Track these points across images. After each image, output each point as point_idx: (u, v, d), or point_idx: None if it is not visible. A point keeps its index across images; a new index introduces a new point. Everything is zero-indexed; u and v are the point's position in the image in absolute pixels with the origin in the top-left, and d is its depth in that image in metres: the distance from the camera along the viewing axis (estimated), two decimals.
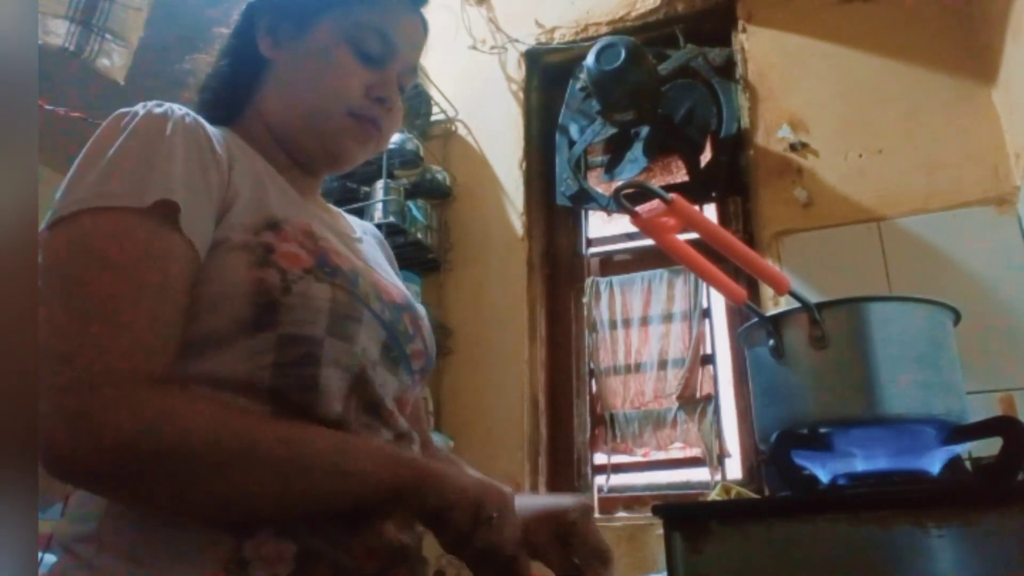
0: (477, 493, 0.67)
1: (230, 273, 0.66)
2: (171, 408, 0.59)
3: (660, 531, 0.74)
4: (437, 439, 2.14)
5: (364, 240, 0.91)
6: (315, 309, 0.68)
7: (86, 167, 0.66)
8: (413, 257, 2.40)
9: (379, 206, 2.32)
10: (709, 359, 2.26)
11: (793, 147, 2.18)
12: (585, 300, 2.41)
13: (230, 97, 0.84)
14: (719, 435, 2.15)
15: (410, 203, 2.40)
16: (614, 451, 2.26)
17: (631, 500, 2.21)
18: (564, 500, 0.83)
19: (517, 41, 2.65)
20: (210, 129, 0.73)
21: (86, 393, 0.57)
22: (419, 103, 2.55)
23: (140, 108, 0.70)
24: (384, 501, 0.66)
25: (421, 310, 0.85)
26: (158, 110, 0.70)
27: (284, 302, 0.66)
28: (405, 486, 0.66)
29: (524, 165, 2.53)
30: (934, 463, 0.84)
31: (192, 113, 0.73)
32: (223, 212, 0.69)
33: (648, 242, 1.07)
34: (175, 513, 0.63)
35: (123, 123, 0.69)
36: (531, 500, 0.82)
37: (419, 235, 2.37)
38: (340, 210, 0.96)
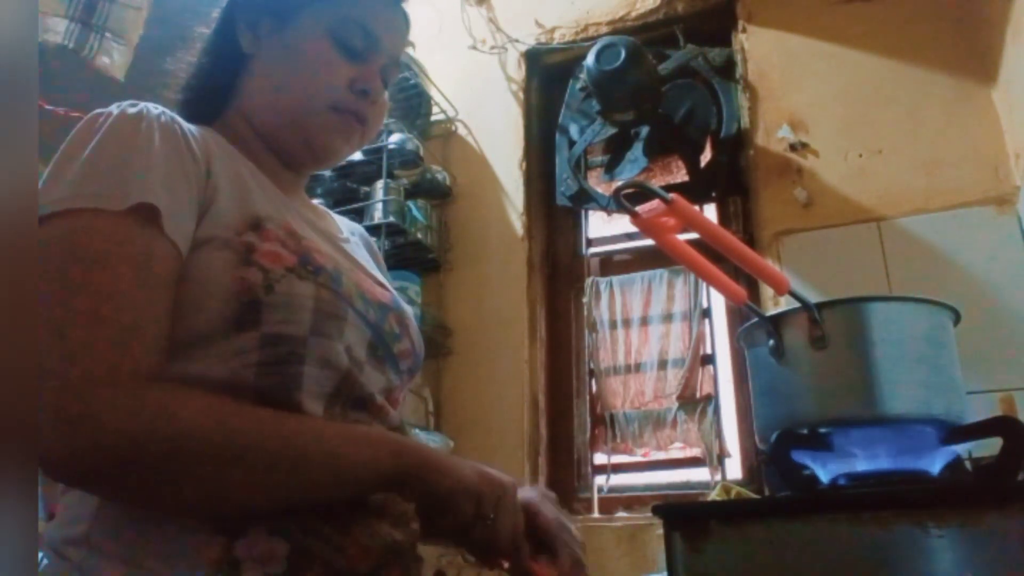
0: (478, 484, 0.68)
1: (212, 273, 0.66)
2: (168, 406, 0.59)
3: (660, 531, 0.74)
4: (437, 439, 2.15)
5: (351, 240, 0.90)
6: (299, 308, 0.67)
7: (63, 167, 0.66)
8: (413, 257, 2.40)
9: (379, 206, 2.32)
10: (709, 359, 2.26)
11: (793, 147, 2.18)
12: (585, 300, 2.40)
13: (212, 95, 0.84)
14: (719, 435, 2.15)
15: (410, 203, 2.40)
16: (614, 451, 2.26)
17: (631, 500, 2.20)
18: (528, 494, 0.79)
19: (517, 41, 2.64)
20: (187, 127, 0.73)
21: (83, 394, 0.57)
22: (419, 103, 2.55)
23: (115, 108, 0.70)
24: (386, 488, 0.66)
25: (408, 310, 0.85)
26: (132, 110, 0.70)
27: (267, 301, 0.66)
28: (407, 473, 0.66)
29: (524, 165, 2.53)
30: (934, 463, 0.84)
31: (168, 112, 0.72)
32: (203, 211, 0.69)
33: (648, 242, 1.07)
34: (174, 510, 0.63)
35: (98, 123, 0.68)
36: None
37: (419, 235, 2.37)
38: (327, 210, 0.95)
